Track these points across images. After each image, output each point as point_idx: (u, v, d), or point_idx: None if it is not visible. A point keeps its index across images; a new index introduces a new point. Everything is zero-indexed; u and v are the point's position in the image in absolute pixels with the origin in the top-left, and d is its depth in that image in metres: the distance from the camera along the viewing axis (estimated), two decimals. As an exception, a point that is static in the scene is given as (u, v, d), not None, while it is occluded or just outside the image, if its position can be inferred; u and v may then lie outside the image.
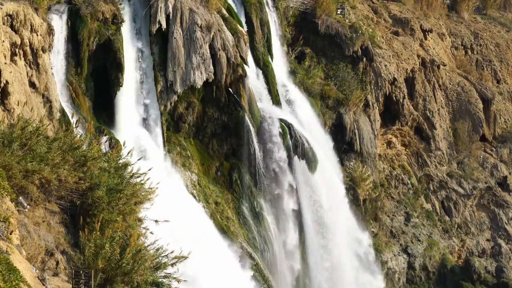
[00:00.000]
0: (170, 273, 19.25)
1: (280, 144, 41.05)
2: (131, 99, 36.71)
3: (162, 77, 37.64)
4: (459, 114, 58.42)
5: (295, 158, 41.77)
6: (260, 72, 43.63)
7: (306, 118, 45.20)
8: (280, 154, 41.10)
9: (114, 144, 31.15)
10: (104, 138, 31.08)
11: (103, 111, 35.80)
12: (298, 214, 42.71)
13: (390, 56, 53.62)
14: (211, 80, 38.79)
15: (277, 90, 44.08)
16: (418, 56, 56.03)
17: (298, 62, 48.97)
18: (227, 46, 39.22)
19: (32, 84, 29.17)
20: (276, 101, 43.68)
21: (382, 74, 51.85)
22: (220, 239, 37.03)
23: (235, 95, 39.95)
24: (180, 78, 37.83)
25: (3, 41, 26.82)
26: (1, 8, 27.25)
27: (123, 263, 17.79)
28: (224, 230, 38.00)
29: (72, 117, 28.79)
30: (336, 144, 47.49)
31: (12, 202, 16.62)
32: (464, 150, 57.66)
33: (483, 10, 71.73)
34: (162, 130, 37.93)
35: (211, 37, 38.66)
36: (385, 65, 52.26)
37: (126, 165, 21.65)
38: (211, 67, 38.51)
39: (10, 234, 15.32)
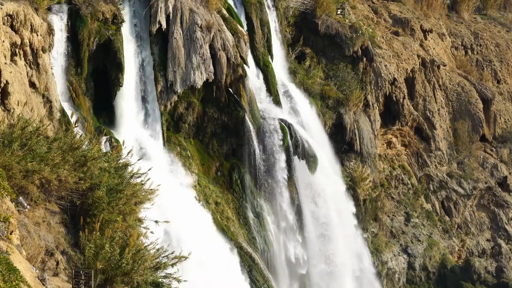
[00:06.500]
0: (170, 273, 19.25)
1: (280, 144, 41.06)
2: (131, 99, 36.73)
3: (162, 77, 37.66)
4: (459, 114, 58.43)
5: (295, 158, 41.79)
6: (260, 72, 43.64)
7: (306, 118, 45.22)
8: (280, 154, 41.11)
9: (114, 144, 31.15)
10: (104, 138, 31.07)
11: (103, 111, 35.81)
12: (298, 214, 42.72)
13: (390, 56, 53.63)
14: (211, 80, 38.80)
15: (277, 90, 44.09)
16: (418, 56, 56.04)
17: (298, 62, 48.98)
18: (227, 46, 39.23)
19: (32, 84, 29.17)
20: (276, 101, 43.69)
21: (382, 74, 51.85)
22: (221, 239, 37.04)
23: (235, 95, 39.97)
24: (180, 78, 37.85)
25: (3, 41, 26.82)
26: (1, 8, 27.25)
27: (123, 263, 17.79)
28: (224, 230, 38.01)
29: (71, 117, 28.79)
30: (336, 144, 47.50)
31: (12, 202, 16.61)
32: (464, 150, 57.67)
33: (483, 10, 71.77)
34: (162, 130, 37.96)
35: (211, 37, 38.67)
36: (385, 65, 52.27)
37: (126, 165, 21.64)
38: (211, 67, 38.52)
39: (10, 234, 15.31)
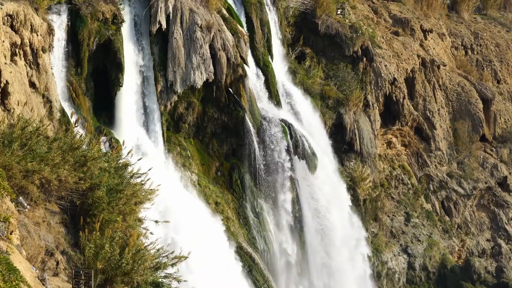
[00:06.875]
0: (170, 273, 19.25)
1: (280, 144, 41.05)
2: (131, 99, 36.73)
3: (162, 77, 37.65)
4: (459, 114, 58.43)
5: (295, 158, 41.77)
6: (260, 72, 43.63)
7: (306, 118, 45.22)
8: (280, 154, 41.09)
9: (114, 144, 31.14)
10: (104, 138, 31.06)
11: (103, 111, 35.81)
12: (298, 214, 42.71)
13: (390, 56, 53.63)
14: (211, 80, 38.80)
15: (277, 90, 44.08)
16: (418, 56, 56.04)
17: (298, 62, 48.98)
18: (227, 46, 39.22)
19: (32, 84, 29.16)
20: (276, 101, 43.70)
21: (382, 74, 51.85)
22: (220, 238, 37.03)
23: (235, 95, 39.96)
24: (180, 78, 37.84)
25: (3, 41, 26.82)
26: (1, 8, 27.25)
27: (123, 263, 17.78)
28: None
29: (71, 117, 28.78)
30: (336, 144, 47.51)
31: (12, 202, 16.60)
32: (464, 150, 57.68)
33: (483, 10, 71.79)
34: (162, 130, 37.94)
35: (211, 37, 38.67)
36: (385, 65, 52.27)
37: (126, 165, 21.63)
38: (211, 67, 38.51)
39: (10, 234, 15.31)
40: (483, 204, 57.19)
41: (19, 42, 28.13)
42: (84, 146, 20.74)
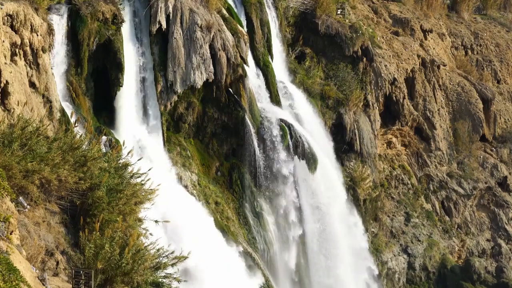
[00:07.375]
0: (170, 273, 19.26)
1: (280, 144, 41.06)
2: (131, 99, 36.73)
3: (162, 77, 37.66)
4: (459, 114, 58.42)
5: (295, 158, 41.78)
6: (260, 72, 43.63)
7: (306, 118, 45.21)
8: (280, 154, 41.10)
9: (114, 144, 31.15)
10: (104, 138, 31.08)
11: (103, 111, 35.81)
12: (298, 214, 42.72)
13: (390, 56, 53.61)
14: (211, 80, 38.81)
15: (277, 90, 44.08)
16: (418, 56, 56.03)
17: (298, 62, 48.97)
18: (227, 46, 39.23)
19: (32, 84, 29.17)
20: (276, 101, 43.69)
21: (382, 74, 51.84)
22: (220, 238, 37.04)
23: (235, 95, 39.96)
24: (180, 78, 37.85)
25: (3, 41, 26.83)
26: (1, 8, 27.25)
27: (123, 263, 17.79)
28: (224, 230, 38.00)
29: (71, 117, 28.77)
30: (336, 144, 47.49)
31: (12, 202, 16.61)
32: (464, 150, 57.66)
33: (483, 10, 71.78)
34: (162, 130, 37.96)
35: (211, 37, 38.67)
36: (385, 65, 52.25)
37: (126, 165, 21.64)
38: (211, 67, 38.52)
39: (10, 234, 15.31)
40: (483, 204, 57.18)
41: (19, 42, 28.14)
42: (84, 146, 20.75)
